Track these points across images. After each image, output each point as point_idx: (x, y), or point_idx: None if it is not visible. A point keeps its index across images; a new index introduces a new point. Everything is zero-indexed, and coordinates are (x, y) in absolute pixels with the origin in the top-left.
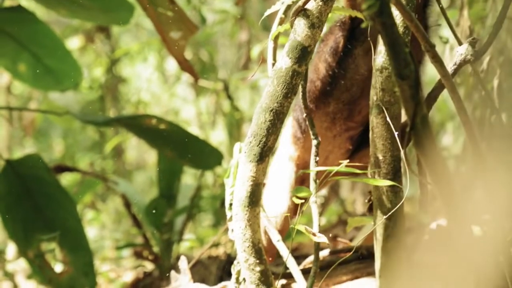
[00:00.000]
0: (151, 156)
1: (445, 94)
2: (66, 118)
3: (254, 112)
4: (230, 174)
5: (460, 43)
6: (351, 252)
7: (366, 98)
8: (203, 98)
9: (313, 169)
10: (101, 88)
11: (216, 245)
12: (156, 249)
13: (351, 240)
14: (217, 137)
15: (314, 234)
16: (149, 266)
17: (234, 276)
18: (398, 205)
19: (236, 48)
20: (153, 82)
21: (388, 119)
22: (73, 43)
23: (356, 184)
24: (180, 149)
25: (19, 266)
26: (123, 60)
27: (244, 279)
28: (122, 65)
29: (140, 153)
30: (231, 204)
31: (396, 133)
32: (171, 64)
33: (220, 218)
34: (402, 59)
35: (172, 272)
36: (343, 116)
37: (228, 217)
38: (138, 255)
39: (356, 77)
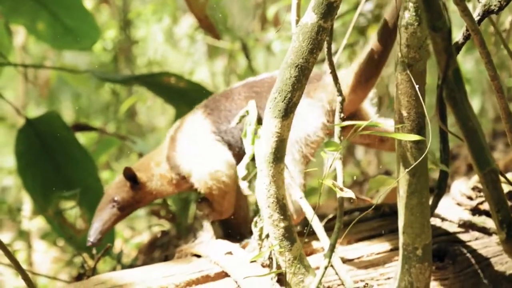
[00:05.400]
0: (160, 120)
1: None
2: (81, 77)
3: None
4: (248, 133)
5: None
6: (371, 209)
7: None
8: (216, 60)
9: (338, 124)
10: (114, 49)
11: None
12: (173, 208)
13: (371, 198)
14: None
15: (341, 189)
16: (166, 225)
17: (256, 232)
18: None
19: (245, 11)
20: (166, 44)
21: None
22: (87, 3)
23: None
24: None
25: (33, 226)
26: (137, 21)
27: (266, 236)
28: (136, 27)
29: (150, 117)
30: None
31: (418, 88)
32: (184, 26)
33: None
34: (435, 11)
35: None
36: None
37: (243, 174)
38: (155, 214)
39: None
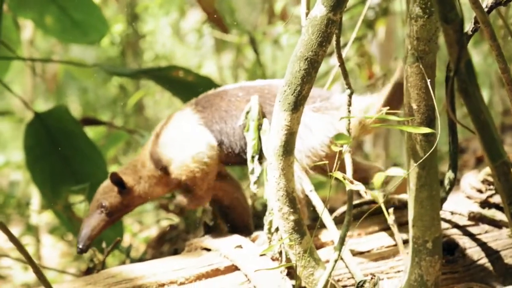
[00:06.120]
0: (166, 114)
1: None
2: (89, 71)
3: (276, 67)
4: (250, 128)
5: None
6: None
7: None
8: (224, 54)
9: (347, 116)
10: (122, 43)
11: None
12: None
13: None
14: None
15: (351, 182)
16: (175, 219)
17: (266, 226)
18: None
19: (252, 5)
20: (174, 38)
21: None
22: None
23: (377, 140)
24: None
25: (41, 220)
26: (144, 15)
27: (276, 229)
28: (143, 21)
29: (157, 111)
30: (253, 156)
31: (429, 81)
32: (192, 20)
33: (245, 171)
34: (447, 3)
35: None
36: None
37: (250, 169)
38: (164, 208)
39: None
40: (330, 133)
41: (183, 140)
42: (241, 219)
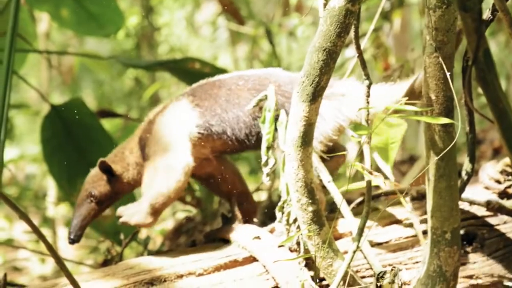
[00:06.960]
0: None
1: None
2: (105, 64)
3: (291, 59)
4: (266, 119)
5: None
6: (403, 194)
7: None
8: (239, 46)
9: (364, 107)
10: (137, 36)
11: (257, 190)
12: (198, 194)
13: (398, 182)
14: None
15: (370, 173)
16: (191, 210)
17: (284, 217)
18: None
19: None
20: (188, 30)
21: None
22: None
23: None
24: None
25: (57, 212)
26: (159, 7)
27: (294, 220)
28: (158, 13)
29: None
30: (268, 148)
31: (448, 74)
32: (206, 12)
33: (260, 164)
34: None
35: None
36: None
37: (263, 161)
38: (180, 200)
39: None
40: (339, 119)
41: (168, 145)
42: (235, 187)
